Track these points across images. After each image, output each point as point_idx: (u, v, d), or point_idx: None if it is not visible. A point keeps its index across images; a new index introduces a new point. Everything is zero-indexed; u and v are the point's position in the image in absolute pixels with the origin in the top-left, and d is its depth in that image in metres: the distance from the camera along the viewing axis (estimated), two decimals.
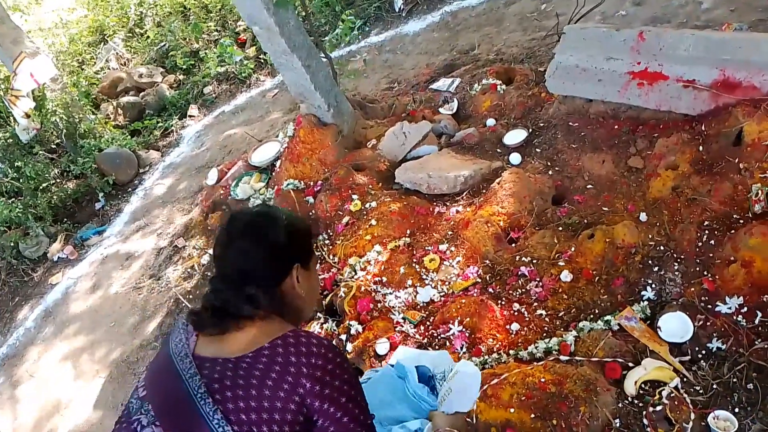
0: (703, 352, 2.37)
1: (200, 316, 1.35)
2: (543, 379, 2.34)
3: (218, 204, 4.45)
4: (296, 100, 4.29)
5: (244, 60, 6.46)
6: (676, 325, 2.42)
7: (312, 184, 3.88)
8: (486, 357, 2.57)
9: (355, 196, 3.58)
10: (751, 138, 2.72)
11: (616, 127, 3.22)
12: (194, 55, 7.23)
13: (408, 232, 3.28)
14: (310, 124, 4.00)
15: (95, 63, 7.99)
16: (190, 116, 6.62)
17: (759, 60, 2.74)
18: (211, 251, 1.55)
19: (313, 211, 3.71)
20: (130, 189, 5.77)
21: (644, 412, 2.21)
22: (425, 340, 2.78)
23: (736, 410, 2.16)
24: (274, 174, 4.18)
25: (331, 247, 3.47)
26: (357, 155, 3.95)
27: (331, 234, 3.55)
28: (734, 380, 2.25)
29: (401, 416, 1.87)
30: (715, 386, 2.25)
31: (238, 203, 4.23)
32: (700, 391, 2.25)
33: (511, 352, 2.56)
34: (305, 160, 3.94)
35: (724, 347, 2.34)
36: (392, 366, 2.04)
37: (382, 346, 2.77)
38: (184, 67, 7.14)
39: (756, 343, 2.30)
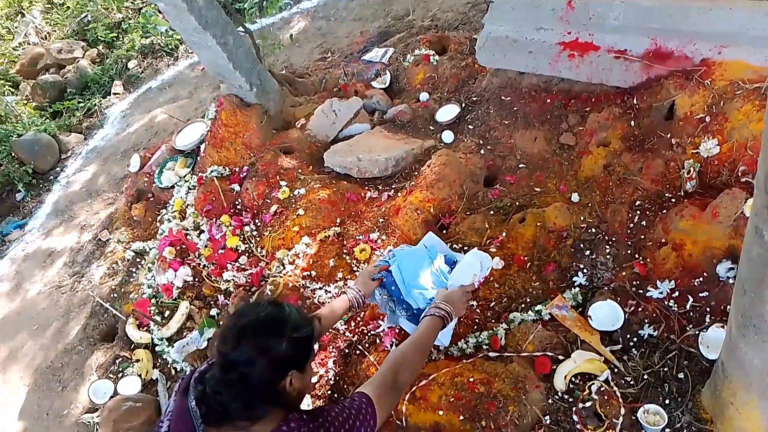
0: (635, 339, 2.31)
1: (201, 411, 1.52)
2: (472, 379, 2.24)
3: (143, 193, 4.17)
4: (216, 81, 4.00)
5: (169, 30, 6.03)
6: (606, 313, 2.35)
7: (237, 170, 3.65)
8: None
9: (283, 183, 3.37)
10: (683, 112, 2.62)
11: (548, 101, 3.08)
12: (117, 26, 6.74)
13: (338, 220, 3.11)
14: (232, 106, 3.74)
15: (13, 38, 7.39)
16: (114, 94, 6.20)
17: (690, 29, 2.62)
18: (215, 347, 1.61)
19: (239, 200, 3.49)
20: (51, 177, 5.39)
21: (574, 408, 2.15)
22: (355, 338, 2.65)
23: (667, 402, 2.11)
24: (199, 159, 3.92)
25: (258, 239, 3.28)
26: (285, 137, 3.72)
27: (258, 225, 3.35)
28: (665, 369, 2.20)
29: (423, 285, 2.39)
30: (645, 377, 2.19)
31: (162, 192, 3.97)
32: (631, 383, 2.20)
33: (442, 348, 2.45)
34: (229, 145, 3.69)
35: (655, 334, 2.29)
36: (425, 246, 2.56)
37: None
38: (107, 40, 6.66)
39: (687, 329, 2.25)
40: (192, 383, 1.60)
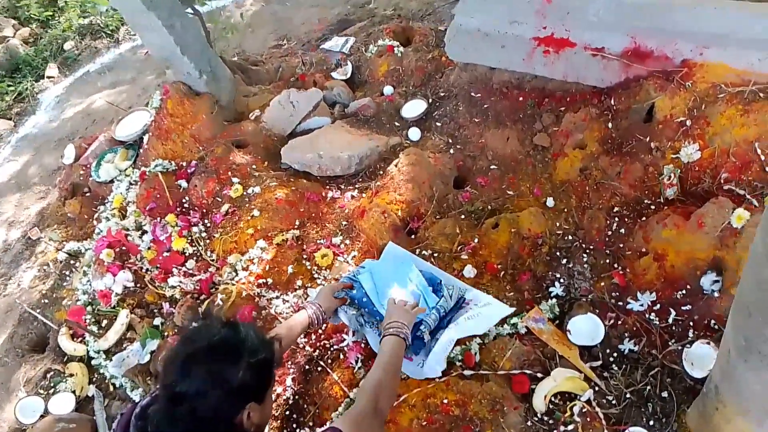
0: (615, 354, 2.19)
1: None
2: (446, 400, 2.07)
3: (78, 187, 3.80)
4: (161, 66, 3.67)
5: (110, 10, 5.58)
6: (585, 327, 2.22)
7: (185, 164, 3.35)
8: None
9: (235, 180, 3.10)
10: (663, 114, 2.51)
11: (520, 98, 2.93)
12: (53, 4, 6.21)
13: (297, 223, 2.88)
14: (179, 94, 3.43)
15: None
16: (48, 77, 5.69)
17: (671, 28, 2.50)
18: (158, 369, 1.38)
19: (187, 198, 3.20)
20: None
21: (554, 431, 2.00)
22: (316, 353, 2.43)
23: (651, 423, 1.99)
24: (141, 151, 3.59)
25: (208, 241, 3.01)
26: (237, 129, 3.44)
27: (208, 225, 3.07)
28: (648, 388, 2.08)
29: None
30: (628, 395, 2.07)
31: (100, 187, 3.62)
32: (613, 402, 2.07)
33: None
34: (175, 137, 3.38)
35: (636, 349, 2.17)
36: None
37: None
38: (41, 18, 6.12)
39: (669, 344, 2.14)
40: (133, 420, 1.37)
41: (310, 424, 2.31)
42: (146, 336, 2.83)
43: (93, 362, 2.90)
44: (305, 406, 2.36)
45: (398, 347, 1.88)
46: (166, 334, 2.82)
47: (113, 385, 2.83)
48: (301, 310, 2.12)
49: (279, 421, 2.36)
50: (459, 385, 2.10)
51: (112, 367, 2.81)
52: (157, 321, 2.88)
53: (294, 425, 2.33)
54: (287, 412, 2.36)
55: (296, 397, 2.38)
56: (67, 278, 3.38)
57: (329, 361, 2.39)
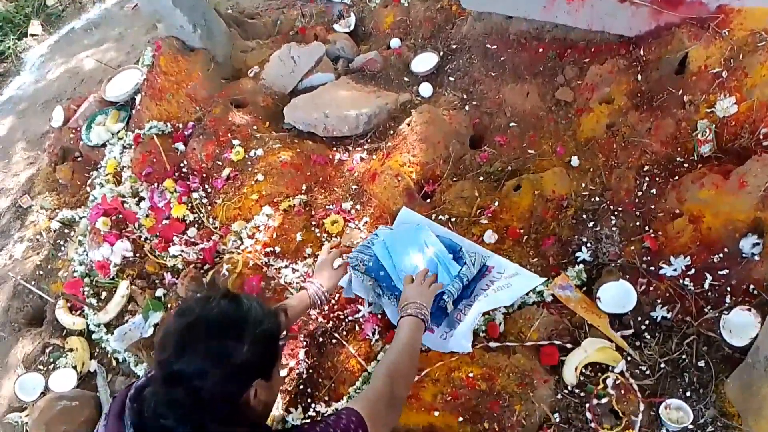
0: (647, 322, 2.08)
1: None
2: (471, 374, 1.96)
3: (69, 151, 3.61)
4: (152, 21, 3.43)
5: None
6: (616, 294, 2.10)
7: (181, 126, 3.15)
8: None
9: (236, 142, 2.92)
10: (697, 65, 2.33)
11: (540, 50, 2.73)
12: None
13: (304, 187, 2.71)
14: (172, 50, 3.21)
15: None
16: (31, 35, 5.39)
17: None
18: (154, 356, 1.20)
19: (185, 162, 3.02)
20: None
21: (587, 405, 1.90)
22: (330, 325, 2.31)
23: (688, 394, 1.89)
24: (134, 112, 3.38)
25: (209, 208, 2.85)
26: (236, 87, 3.24)
27: (209, 190, 2.91)
28: (683, 357, 1.97)
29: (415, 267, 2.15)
30: (663, 365, 1.96)
31: (92, 151, 3.43)
32: (647, 373, 1.96)
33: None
34: (170, 97, 3.18)
35: (669, 316, 2.05)
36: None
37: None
38: None
39: (705, 311, 2.02)
40: (128, 402, 1.24)
41: (326, 398, 2.21)
42: (148, 308, 2.70)
43: (93, 336, 2.78)
44: (320, 380, 2.25)
45: (416, 329, 1.72)
46: (169, 305, 2.69)
47: (116, 359, 2.71)
48: (301, 290, 1.97)
49: (292, 396, 2.26)
50: (484, 357, 1.99)
51: (113, 341, 2.69)
52: (159, 292, 2.75)
53: (309, 400, 2.23)
54: (301, 386, 2.25)
55: (310, 370, 2.27)
56: (62, 248, 3.22)
57: (344, 333, 2.27)
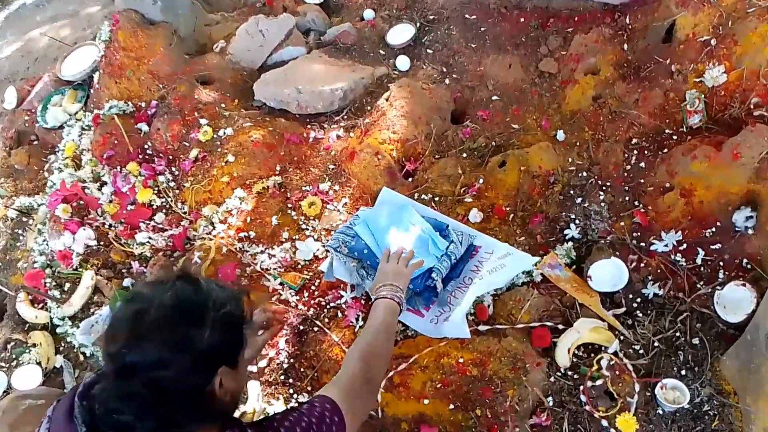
0: (639, 300, 2.02)
1: None
2: (461, 360, 1.87)
3: (24, 135, 3.38)
4: None
5: None
6: (608, 272, 2.03)
7: (144, 105, 2.96)
8: None
9: (203, 121, 2.75)
10: (685, 33, 2.26)
11: (522, 20, 2.62)
12: None
13: (278, 168, 2.57)
14: (131, 24, 3.00)
15: None
16: None
17: None
18: (102, 348, 1.00)
19: (149, 144, 2.84)
20: None
21: (581, 387, 1.84)
22: (311, 312, 2.20)
23: (683, 372, 1.84)
24: (92, 91, 3.17)
25: (178, 191, 2.69)
26: (201, 63, 3.05)
27: (176, 173, 2.74)
28: (677, 335, 1.92)
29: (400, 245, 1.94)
30: (656, 344, 1.91)
31: (48, 133, 3.21)
32: (641, 352, 1.91)
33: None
34: (130, 74, 2.98)
35: (662, 293, 2.00)
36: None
37: None
38: None
39: (698, 287, 1.97)
40: (76, 401, 1.10)
41: (309, 388, 2.11)
42: (116, 299, 2.54)
43: (58, 330, 2.60)
44: (302, 369, 2.14)
45: (391, 313, 1.58)
46: (116, 306, 2.54)
47: (83, 354, 2.55)
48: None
49: (273, 387, 2.15)
50: (475, 342, 1.91)
51: (80, 335, 2.53)
52: (127, 282, 2.59)
53: (291, 390, 2.12)
54: (282, 377, 2.14)
55: (291, 360, 2.16)
56: (21, 238, 3.02)
57: (326, 320, 2.17)
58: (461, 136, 2.45)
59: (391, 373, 1.91)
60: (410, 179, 2.40)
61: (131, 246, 2.63)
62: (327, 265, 2.18)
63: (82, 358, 2.57)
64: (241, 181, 2.52)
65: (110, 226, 2.72)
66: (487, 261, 2.09)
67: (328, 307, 2.19)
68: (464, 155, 2.39)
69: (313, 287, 2.25)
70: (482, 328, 1.94)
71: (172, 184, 2.72)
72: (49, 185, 2.99)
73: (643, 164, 2.19)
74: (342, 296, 2.17)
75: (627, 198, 2.18)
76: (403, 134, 2.42)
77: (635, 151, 2.23)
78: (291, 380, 2.14)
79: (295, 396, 2.11)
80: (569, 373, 1.89)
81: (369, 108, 2.67)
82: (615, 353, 1.89)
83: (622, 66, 2.36)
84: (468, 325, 1.95)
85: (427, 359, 1.90)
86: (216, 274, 2.29)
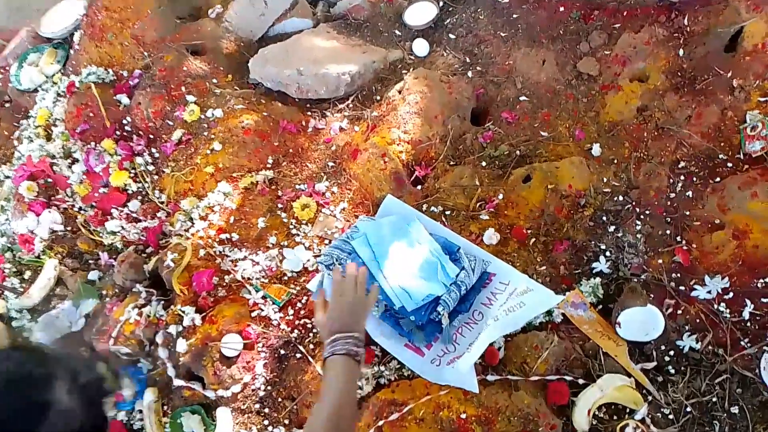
0: (672, 353, 1.75)
1: None
2: (464, 415, 1.60)
3: None
4: None
5: None
6: (640, 318, 1.75)
7: (125, 75, 2.64)
8: (381, 368, 1.78)
9: (190, 98, 2.43)
10: (753, 43, 1.93)
11: (561, 9, 2.28)
12: None
13: (270, 160, 2.27)
14: None
15: None
16: None
17: None
18: None
19: (128, 119, 2.53)
20: None
21: None
22: (294, 333, 1.93)
23: None
24: (72, 53, 2.84)
25: (156, 177, 2.39)
26: (193, 30, 2.70)
27: (156, 156, 2.43)
28: (713, 400, 1.66)
29: (408, 274, 1.78)
30: (689, 409, 1.65)
31: (22, 96, 2.89)
32: (671, 418, 1.65)
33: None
34: (112, 38, 2.64)
35: (699, 347, 1.73)
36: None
37: (231, 346, 1.89)
38: None
39: (742, 344, 1.69)
40: None
41: (286, 422, 1.85)
42: (80, 294, 2.28)
43: (14, 323, 2.34)
44: (280, 399, 1.89)
45: (349, 372, 1.26)
46: (104, 293, 2.27)
47: None
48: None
49: (246, 415, 1.90)
50: (481, 394, 1.63)
51: (38, 331, 2.27)
52: (94, 275, 2.32)
53: (266, 422, 1.87)
54: (257, 406, 1.89)
55: (269, 387, 1.90)
56: None
57: (311, 346, 1.89)
58: (481, 141, 2.13)
59: (380, 422, 1.65)
60: (419, 187, 2.10)
61: (101, 234, 2.35)
62: (317, 283, 1.90)
63: None
64: (227, 174, 2.22)
65: (80, 209, 2.44)
66: (502, 294, 1.81)
67: (314, 331, 1.91)
68: (483, 164, 2.08)
69: (299, 304, 1.97)
70: (491, 378, 1.67)
71: (150, 168, 2.41)
72: (17, 156, 2.69)
73: (690, 193, 1.89)
74: None
75: (668, 231, 1.88)
76: (416, 134, 2.11)
77: (682, 177, 1.93)
78: (267, 410, 1.88)
79: (270, 428, 1.86)
80: None
81: (378, 98, 2.35)
82: (642, 420, 1.62)
83: (675, 74, 2.03)
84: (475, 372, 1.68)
85: (423, 410, 1.63)
86: (190, 282, 2.01)
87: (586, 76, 2.17)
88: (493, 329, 1.67)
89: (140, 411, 2.03)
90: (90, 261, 2.38)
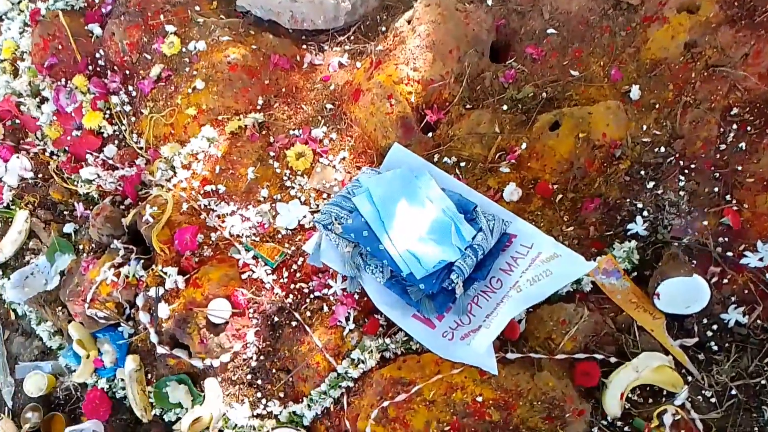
0: (715, 327, 1.55)
1: None
2: (480, 398, 1.42)
3: None
4: None
5: None
6: (682, 289, 1.53)
7: (97, 1, 2.33)
8: (386, 340, 1.59)
9: (170, 28, 2.14)
10: None
11: None
12: None
13: (260, 101, 2.00)
14: None
15: None
16: None
17: None
18: None
19: (102, 52, 2.24)
20: None
21: None
22: (289, 299, 1.72)
23: None
24: None
25: (134, 119, 2.13)
26: None
27: (133, 94, 2.16)
28: (762, 383, 1.47)
29: (416, 235, 1.56)
30: (734, 392, 1.46)
31: None
32: (713, 401, 1.46)
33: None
34: None
35: (746, 321, 1.52)
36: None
37: (218, 312, 1.70)
38: None
39: None
40: None
41: (281, 395, 1.69)
42: (54, 248, 2.09)
43: None
44: (274, 371, 1.71)
45: None
46: (81, 247, 2.06)
47: (14, 312, 2.13)
48: None
49: (238, 387, 1.73)
50: (500, 374, 1.44)
51: (10, 289, 2.10)
52: (69, 228, 2.12)
53: (258, 394, 1.70)
54: (249, 377, 1.71)
55: (261, 357, 1.72)
56: None
57: (308, 314, 1.70)
58: (502, 81, 1.86)
59: (385, 403, 1.47)
60: (431, 134, 1.84)
61: (75, 183, 2.13)
62: (313, 244, 1.68)
63: (13, 316, 2.15)
64: (212, 116, 1.96)
65: (51, 154, 2.20)
66: (523, 259, 1.59)
67: (311, 297, 1.71)
68: (504, 108, 1.82)
69: (294, 266, 1.76)
70: (511, 355, 1.47)
71: (127, 108, 2.16)
72: None
73: (743, 145, 1.64)
74: (330, 286, 1.68)
75: (716, 189, 1.64)
76: (426, 72, 1.83)
77: (735, 126, 1.67)
78: (259, 382, 1.72)
79: (263, 401, 1.69)
80: (619, 424, 1.45)
81: (384, 30, 2.06)
82: (682, 405, 1.43)
83: (731, 5, 1.73)
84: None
85: (434, 391, 1.45)
86: (171, 239, 1.79)
87: (625, 6, 1.87)
88: (515, 302, 1.46)
89: (122, 379, 1.86)
90: (64, 212, 2.18)
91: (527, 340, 1.53)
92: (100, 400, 1.87)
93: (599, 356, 1.48)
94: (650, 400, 1.48)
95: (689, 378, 1.49)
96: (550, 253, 1.54)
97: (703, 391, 1.48)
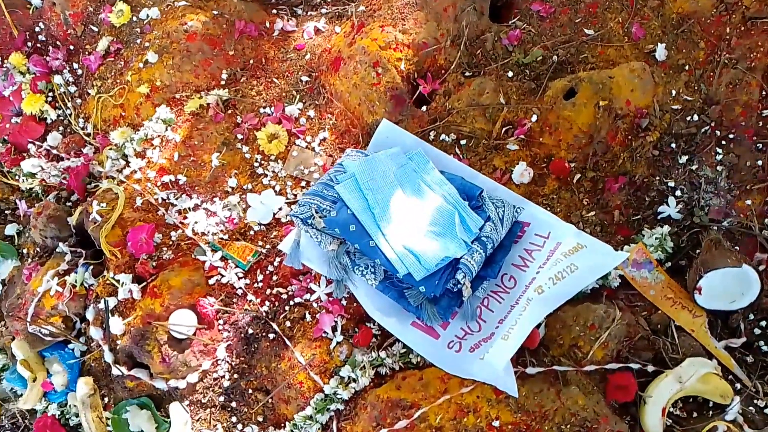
0: (763, 323, 1.33)
1: None
2: (496, 422, 1.18)
3: None
4: None
5: None
6: (728, 283, 1.30)
7: None
8: (381, 353, 1.34)
9: None
10: None
11: None
12: None
13: (224, 75, 1.72)
14: None
15: None
16: None
17: None
18: None
19: (42, 25, 1.94)
20: None
21: None
22: (265, 306, 1.47)
23: None
24: None
25: (80, 101, 1.84)
26: None
27: (79, 72, 1.88)
28: None
29: (412, 230, 1.33)
30: None
31: None
32: (765, 410, 1.24)
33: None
34: None
35: None
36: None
37: (181, 327, 1.44)
38: None
39: None
40: None
41: (259, 419, 1.44)
42: None
43: None
44: (250, 391, 1.46)
45: None
46: (25, 251, 1.79)
47: None
48: None
49: (208, 410, 1.48)
50: (520, 393, 1.20)
51: None
52: (11, 229, 1.85)
53: (233, 419, 1.46)
54: (221, 398, 1.46)
55: (235, 376, 1.47)
56: None
57: (288, 323, 1.44)
58: (506, 43, 1.60)
59: (383, 431, 1.23)
60: (425, 108, 1.58)
61: (16, 177, 1.85)
62: (291, 242, 1.42)
63: None
64: (168, 94, 1.68)
65: None
66: (540, 251, 1.35)
67: (290, 304, 1.45)
68: (510, 74, 1.56)
69: (270, 268, 1.50)
70: (531, 369, 1.23)
71: (72, 89, 1.87)
72: None
73: None
74: (313, 291, 1.43)
75: (759, 162, 1.42)
76: (418, 35, 1.56)
77: None
78: (234, 404, 1.47)
79: (239, 427, 1.45)
80: None
81: None
82: (734, 420, 1.21)
83: None
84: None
85: (441, 415, 1.21)
86: (124, 241, 1.52)
87: None
88: (537, 306, 1.22)
89: (75, 405, 1.61)
90: (5, 211, 1.89)
91: (548, 348, 1.29)
92: (51, 428, 1.62)
93: (635, 365, 1.25)
94: (695, 414, 1.26)
95: (738, 386, 1.28)
96: (572, 244, 1.30)
97: (756, 401, 1.26)
